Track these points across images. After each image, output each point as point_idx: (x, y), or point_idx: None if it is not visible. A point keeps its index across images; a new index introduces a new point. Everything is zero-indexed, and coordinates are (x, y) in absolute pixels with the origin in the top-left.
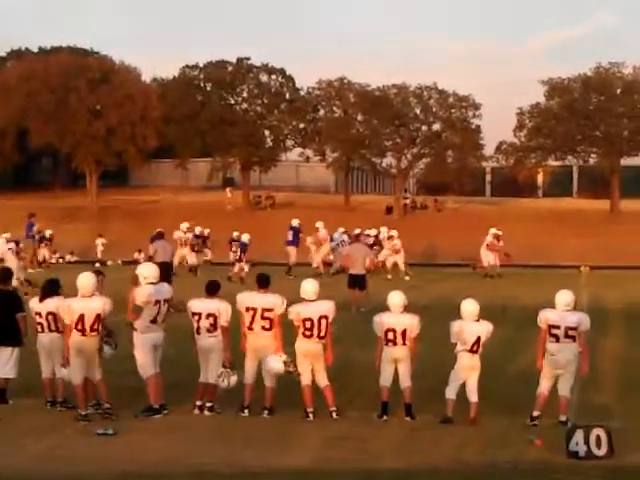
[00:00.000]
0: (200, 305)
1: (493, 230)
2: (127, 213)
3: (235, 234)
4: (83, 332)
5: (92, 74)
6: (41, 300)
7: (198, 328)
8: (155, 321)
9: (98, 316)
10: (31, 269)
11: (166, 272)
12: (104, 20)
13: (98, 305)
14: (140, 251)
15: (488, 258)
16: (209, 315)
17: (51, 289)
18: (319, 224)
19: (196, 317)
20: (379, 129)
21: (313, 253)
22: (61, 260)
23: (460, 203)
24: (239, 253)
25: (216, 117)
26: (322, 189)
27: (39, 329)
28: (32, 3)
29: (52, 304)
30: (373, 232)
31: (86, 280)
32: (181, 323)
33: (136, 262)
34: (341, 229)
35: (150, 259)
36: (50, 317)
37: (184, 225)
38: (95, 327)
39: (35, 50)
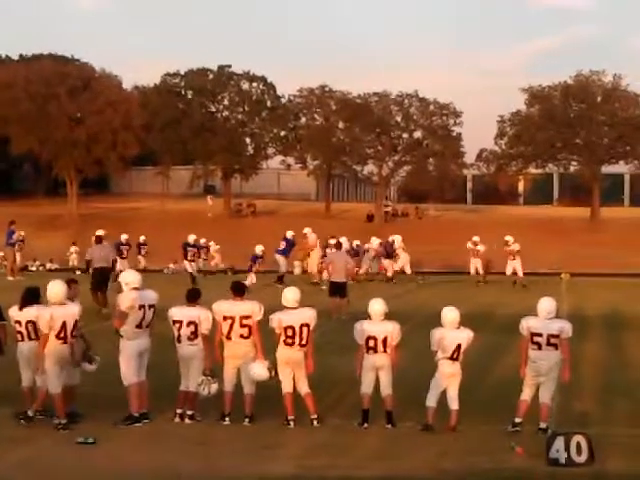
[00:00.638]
0: (181, 313)
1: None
2: (108, 221)
3: (191, 238)
4: (65, 339)
5: (73, 82)
6: (20, 308)
7: (179, 336)
8: (140, 326)
9: (77, 322)
10: (11, 277)
11: (103, 278)
12: (85, 28)
13: (76, 311)
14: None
15: (475, 265)
16: (190, 323)
17: (31, 297)
18: (307, 230)
19: (177, 325)
20: (360, 137)
21: (306, 261)
22: (41, 268)
23: (441, 211)
24: (250, 264)
25: (197, 125)
26: (303, 197)
27: (19, 338)
28: (13, 10)
29: (32, 312)
30: (344, 241)
31: (57, 288)
32: (162, 331)
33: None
34: (375, 240)
35: (88, 264)
36: (30, 325)
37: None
38: (74, 333)
39: (16, 58)
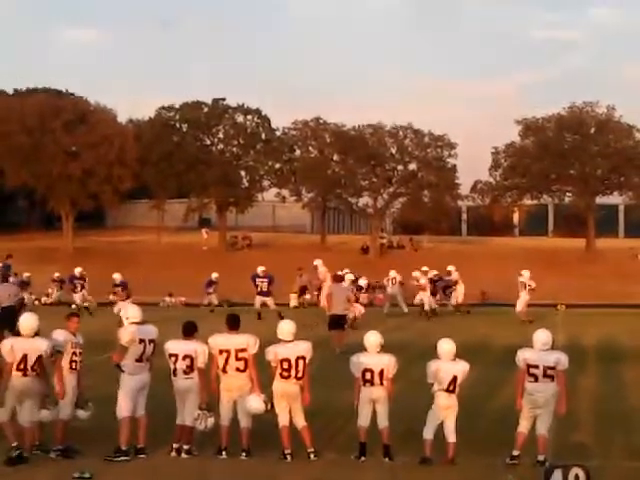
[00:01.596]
0: (177, 346)
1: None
2: (103, 254)
3: (214, 276)
4: (24, 372)
5: (68, 115)
6: None
7: (175, 370)
8: (141, 360)
9: (40, 357)
10: None
11: (11, 316)
12: (79, 61)
13: (41, 345)
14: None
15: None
16: (186, 357)
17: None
18: (318, 262)
19: (173, 358)
20: (355, 169)
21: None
22: (37, 302)
23: (435, 242)
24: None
25: (192, 158)
26: (298, 229)
27: None
28: (6, 44)
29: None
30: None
31: (27, 321)
32: (158, 364)
33: (112, 303)
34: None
35: None
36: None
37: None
38: (35, 367)
39: (10, 92)
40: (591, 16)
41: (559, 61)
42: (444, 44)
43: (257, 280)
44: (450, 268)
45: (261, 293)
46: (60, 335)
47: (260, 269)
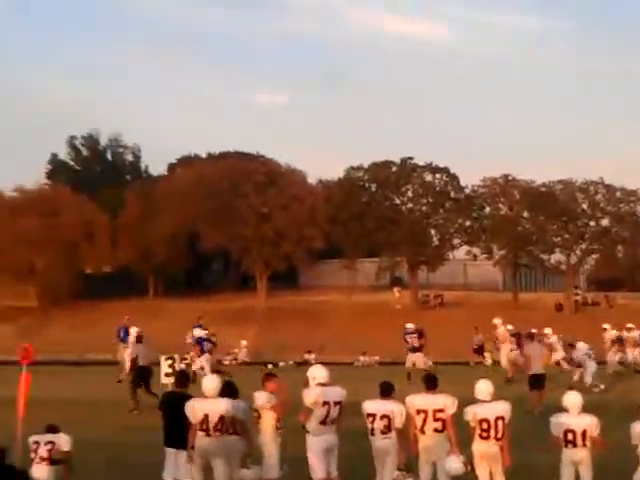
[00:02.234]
0: (374, 406)
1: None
2: (296, 313)
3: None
4: (207, 432)
5: (259, 178)
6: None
7: (372, 429)
8: (325, 422)
9: (222, 417)
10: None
11: (145, 376)
12: (267, 124)
13: (222, 407)
14: (310, 352)
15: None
16: (383, 416)
17: (228, 391)
18: (497, 321)
19: (370, 418)
20: (546, 225)
21: (493, 352)
22: (234, 362)
23: (630, 299)
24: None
25: (381, 217)
26: (490, 286)
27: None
28: (198, 111)
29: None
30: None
31: (209, 382)
32: (355, 424)
33: (307, 363)
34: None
35: (133, 362)
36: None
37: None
38: (219, 427)
39: (204, 156)
40: None
41: None
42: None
43: (407, 336)
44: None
45: (413, 349)
46: (261, 396)
47: (409, 325)
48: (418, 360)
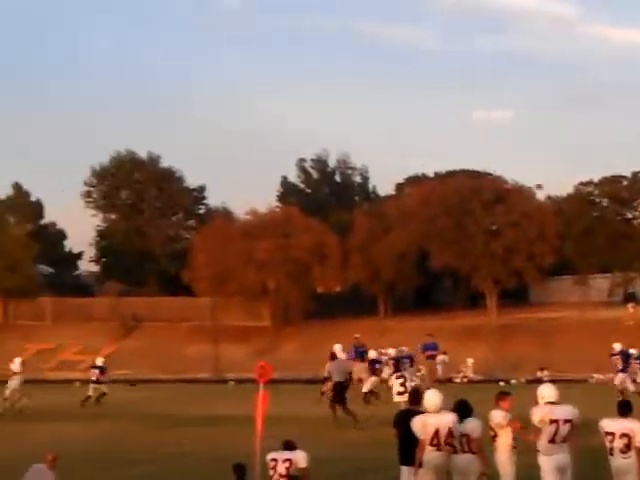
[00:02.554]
0: (613, 425)
1: None
2: (527, 331)
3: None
4: (438, 447)
5: (487, 195)
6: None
7: (611, 449)
8: (554, 441)
9: (450, 430)
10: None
11: (341, 391)
12: (493, 141)
13: (449, 419)
14: (542, 369)
15: None
16: (623, 435)
17: (462, 410)
18: None
19: (609, 437)
20: None
21: None
22: (465, 379)
23: None
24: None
25: (613, 232)
26: None
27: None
28: (423, 130)
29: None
30: None
31: (431, 397)
32: (591, 443)
33: (539, 381)
34: None
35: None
36: (463, 438)
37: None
38: (448, 441)
39: (431, 175)
40: None
41: None
42: None
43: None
44: None
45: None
46: (497, 415)
47: (616, 345)
48: (623, 381)
